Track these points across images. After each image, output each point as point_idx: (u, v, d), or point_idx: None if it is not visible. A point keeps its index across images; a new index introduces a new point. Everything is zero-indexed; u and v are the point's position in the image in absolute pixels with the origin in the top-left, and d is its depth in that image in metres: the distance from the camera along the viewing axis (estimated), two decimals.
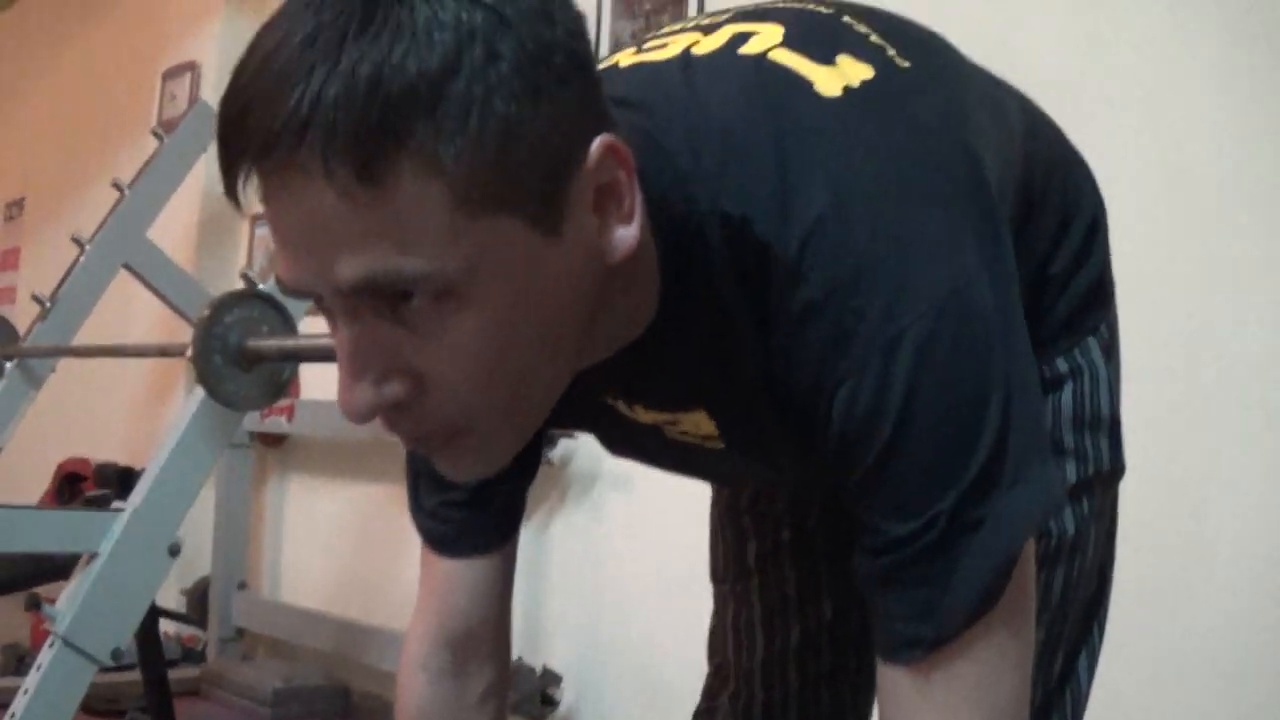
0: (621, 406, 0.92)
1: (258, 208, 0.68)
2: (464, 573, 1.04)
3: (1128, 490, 1.02)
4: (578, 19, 0.71)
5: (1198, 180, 1.93)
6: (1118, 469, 0.99)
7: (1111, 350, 1.00)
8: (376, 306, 0.68)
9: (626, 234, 0.73)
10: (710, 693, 1.22)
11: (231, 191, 0.67)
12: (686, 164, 0.76)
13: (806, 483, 1.08)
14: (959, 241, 0.73)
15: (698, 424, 0.88)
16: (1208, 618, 1.85)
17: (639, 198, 0.73)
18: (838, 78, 0.77)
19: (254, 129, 0.64)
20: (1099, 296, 0.99)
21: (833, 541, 1.13)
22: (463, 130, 0.64)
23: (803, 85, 0.77)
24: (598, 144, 0.70)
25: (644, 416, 0.91)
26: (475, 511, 1.02)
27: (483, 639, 1.06)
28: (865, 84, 0.77)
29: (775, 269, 0.73)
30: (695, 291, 0.78)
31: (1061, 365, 0.96)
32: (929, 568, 0.72)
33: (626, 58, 0.88)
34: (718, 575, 1.23)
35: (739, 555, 1.19)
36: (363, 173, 0.63)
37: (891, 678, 0.76)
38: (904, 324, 0.70)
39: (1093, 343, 0.98)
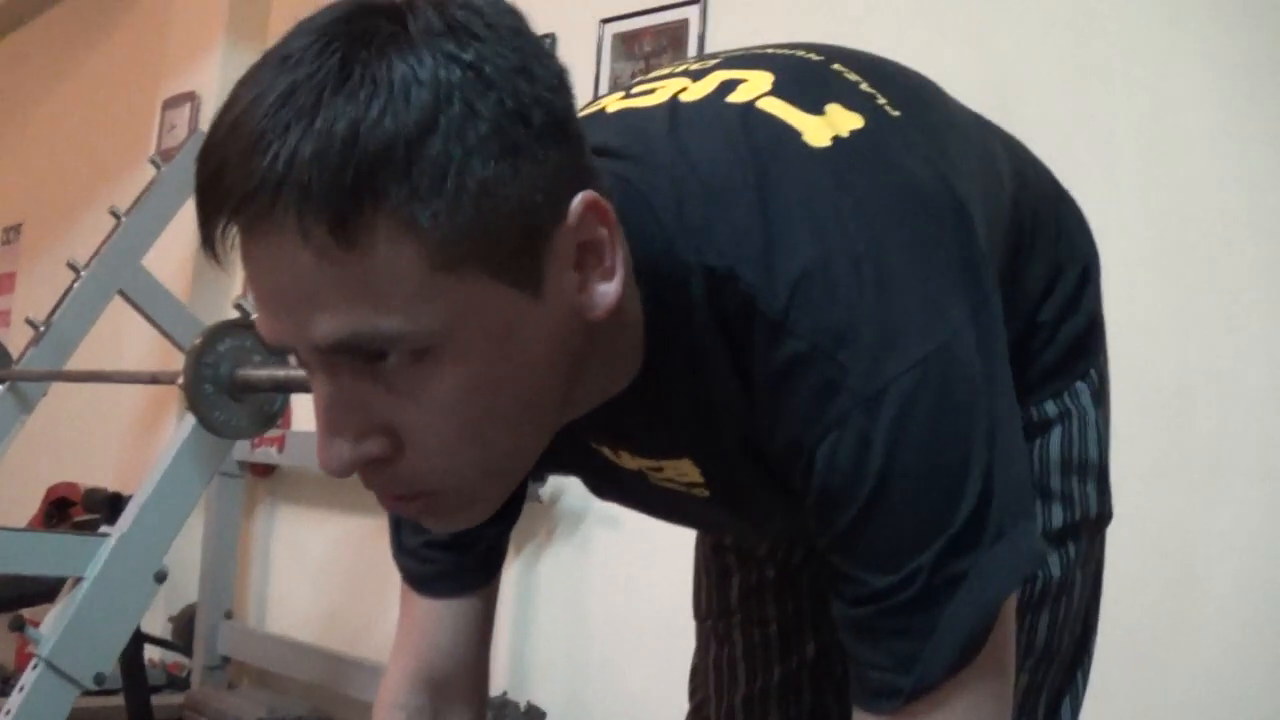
0: (606, 452, 0.91)
1: (239, 260, 0.67)
2: (444, 613, 1.02)
3: (1118, 535, 1.01)
4: (560, 74, 0.70)
5: (1193, 222, 1.93)
6: (1105, 514, 0.99)
7: (1101, 396, 0.99)
8: (354, 364, 0.67)
9: (608, 290, 0.72)
10: None
11: (210, 246, 0.66)
12: (671, 216, 0.75)
13: (792, 531, 1.08)
14: (945, 296, 0.73)
15: (682, 471, 0.87)
16: (1197, 664, 1.84)
17: (621, 253, 0.72)
18: (827, 127, 0.77)
19: (230, 187, 0.63)
20: (1089, 342, 0.99)
21: (819, 579, 1.12)
22: (439, 191, 0.63)
23: (791, 135, 0.76)
24: (578, 201, 0.69)
25: (628, 462, 0.90)
26: (457, 553, 1.01)
27: (461, 679, 1.04)
28: (854, 134, 0.77)
29: (760, 322, 0.73)
30: (679, 345, 0.77)
31: (1050, 409, 0.95)
32: (909, 620, 0.72)
33: (614, 103, 0.87)
34: (700, 612, 1.22)
35: (722, 592, 1.18)
36: (338, 232, 0.62)
37: None
38: (888, 379, 0.70)
39: (1082, 387, 0.97)
